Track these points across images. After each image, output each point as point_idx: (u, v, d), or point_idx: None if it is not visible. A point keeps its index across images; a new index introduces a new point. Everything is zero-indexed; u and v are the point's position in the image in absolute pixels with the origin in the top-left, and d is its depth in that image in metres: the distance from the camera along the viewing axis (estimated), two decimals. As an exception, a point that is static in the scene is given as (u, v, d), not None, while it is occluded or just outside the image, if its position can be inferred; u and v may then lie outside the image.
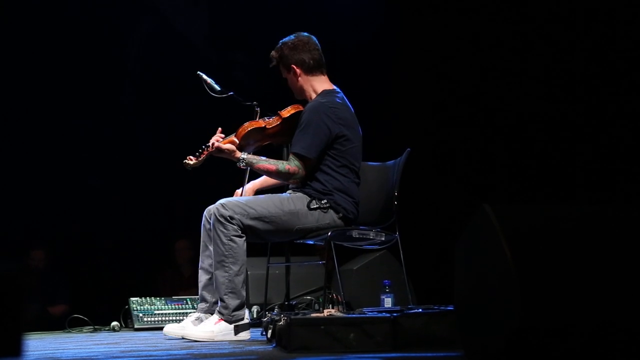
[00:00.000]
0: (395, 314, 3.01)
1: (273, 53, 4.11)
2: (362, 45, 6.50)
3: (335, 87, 4.12)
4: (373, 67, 6.53)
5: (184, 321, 4.02)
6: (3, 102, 6.68)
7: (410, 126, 6.30)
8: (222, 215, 3.81)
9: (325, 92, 4.07)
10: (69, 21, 6.78)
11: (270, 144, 4.19)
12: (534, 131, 5.64)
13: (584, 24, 5.35)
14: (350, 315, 3.11)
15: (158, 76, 6.98)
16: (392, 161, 4.34)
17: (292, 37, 4.10)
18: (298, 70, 4.05)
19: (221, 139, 3.95)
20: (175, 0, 7.19)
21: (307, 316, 3.18)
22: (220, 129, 4.00)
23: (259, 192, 4.21)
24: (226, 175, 4.41)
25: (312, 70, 4.07)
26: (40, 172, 6.80)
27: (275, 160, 3.99)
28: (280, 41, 4.11)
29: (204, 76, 4.27)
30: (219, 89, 4.24)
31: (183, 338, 3.85)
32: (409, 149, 4.27)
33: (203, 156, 3.94)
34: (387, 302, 4.71)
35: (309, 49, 4.06)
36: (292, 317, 3.04)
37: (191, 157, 3.95)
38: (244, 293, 3.84)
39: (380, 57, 6.58)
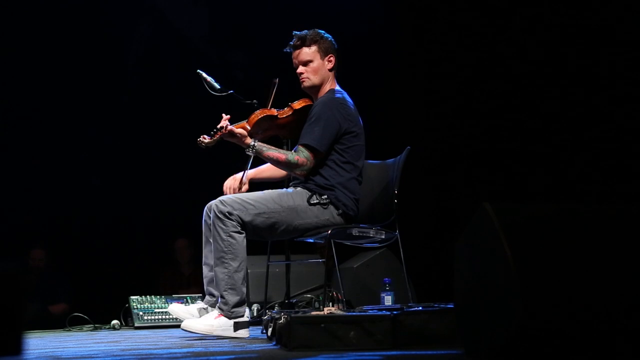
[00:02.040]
0: (395, 312, 3.01)
1: (311, 33, 4.09)
2: (361, 43, 6.50)
3: (340, 88, 4.16)
4: (372, 65, 6.53)
5: (190, 306, 4.06)
6: (3, 102, 6.68)
7: (410, 124, 6.29)
8: (221, 212, 3.82)
9: (333, 90, 4.13)
10: (69, 21, 6.78)
11: (277, 137, 4.20)
12: (534, 130, 5.63)
13: (583, 22, 5.35)
14: (350, 313, 3.11)
15: (158, 75, 6.98)
16: (392, 159, 4.34)
17: (324, 32, 4.14)
18: (334, 61, 4.12)
19: (229, 123, 3.95)
20: (174, 0, 7.19)
21: (308, 314, 3.18)
22: (228, 116, 4.00)
23: (251, 183, 4.20)
24: (226, 174, 4.41)
25: (336, 68, 4.16)
26: (41, 172, 6.80)
27: (284, 150, 4.02)
28: (314, 29, 4.12)
29: (204, 74, 4.28)
30: (219, 87, 4.25)
31: (183, 329, 3.85)
32: (408, 147, 4.27)
33: (216, 137, 3.93)
34: (388, 300, 4.71)
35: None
36: (293, 315, 3.04)
37: (205, 136, 3.94)
38: (244, 289, 3.84)
39: (379, 55, 6.58)
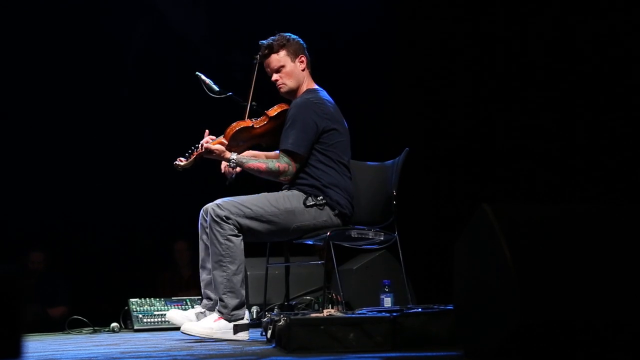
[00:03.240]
0: (394, 314, 3.01)
1: (277, 38, 4.09)
2: (360, 44, 6.50)
3: (317, 87, 4.16)
4: (372, 66, 6.53)
5: (188, 311, 4.06)
6: (2, 103, 6.67)
7: (409, 126, 6.29)
8: (218, 216, 3.81)
9: (309, 90, 4.13)
10: (69, 22, 6.78)
11: (260, 145, 4.20)
12: (533, 130, 5.63)
13: (583, 24, 5.35)
14: (349, 315, 3.11)
15: (157, 76, 6.97)
16: (391, 161, 4.34)
17: (290, 34, 4.14)
18: (306, 61, 4.11)
19: (211, 141, 3.97)
20: (174, 1, 7.18)
21: (307, 316, 3.18)
22: (207, 131, 4.03)
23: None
24: (225, 177, 4.40)
25: (309, 66, 4.16)
26: (40, 174, 6.79)
27: (264, 159, 4.02)
28: (279, 34, 4.12)
29: (203, 77, 4.27)
30: (217, 89, 4.25)
31: (183, 332, 3.85)
32: (407, 148, 4.27)
33: (192, 157, 3.97)
34: (387, 301, 4.71)
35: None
36: (292, 317, 3.04)
37: (181, 158, 3.98)
38: (243, 292, 3.85)
39: (379, 56, 6.58)
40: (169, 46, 7.10)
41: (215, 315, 3.83)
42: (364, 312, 3.33)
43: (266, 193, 4.01)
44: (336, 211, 3.98)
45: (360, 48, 6.50)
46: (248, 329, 3.86)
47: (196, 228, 4.05)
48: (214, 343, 3.67)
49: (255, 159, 4.02)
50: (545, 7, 5.57)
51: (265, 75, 4.18)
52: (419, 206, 6.08)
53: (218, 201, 3.89)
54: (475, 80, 6.00)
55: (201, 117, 6.26)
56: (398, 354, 2.76)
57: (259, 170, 3.97)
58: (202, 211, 3.98)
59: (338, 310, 3.58)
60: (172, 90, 6.84)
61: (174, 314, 4.10)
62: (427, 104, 6.32)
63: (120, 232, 6.96)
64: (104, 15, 6.93)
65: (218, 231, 3.81)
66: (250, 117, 4.10)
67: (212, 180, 5.38)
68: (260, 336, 3.88)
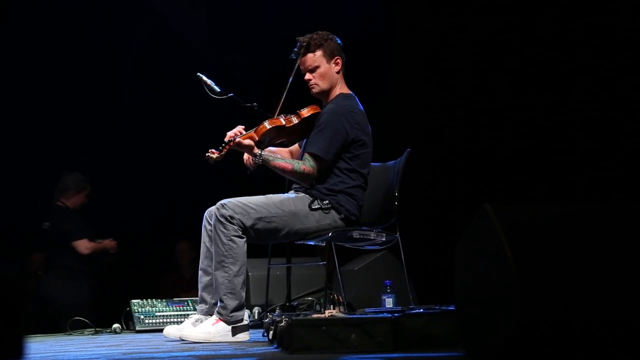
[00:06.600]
0: (396, 314, 3.01)
1: (315, 37, 4.05)
2: (361, 43, 6.50)
3: (350, 92, 4.14)
4: (372, 66, 6.53)
5: (183, 323, 4.02)
6: (2, 103, 6.68)
7: (410, 126, 6.29)
8: (222, 216, 3.81)
9: (344, 95, 4.10)
10: (69, 23, 6.79)
11: (283, 142, 4.20)
12: (534, 130, 5.63)
13: (585, 22, 5.35)
14: (351, 316, 3.11)
15: (158, 79, 6.98)
16: (393, 161, 4.34)
17: (328, 33, 4.11)
18: (341, 63, 4.09)
19: (240, 134, 3.95)
20: (173, 3, 7.19)
21: (308, 317, 3.18)
22: (241, 126, 4.00)
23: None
24: (227, 177, 4.41)
25: (344, 68, 4.13)
26: (41, 174, 6.79)
27: (291, 160, 4.01)
28: (317, 32, 4.08)
29: (204, 77, 4.27)
30: (218, 90, 4.25)
31: (181, 339, 3.84)
32: (409, 149, 4.27)
33: (225, 151, 3.92)
34: (388, 302, 4.71)
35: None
36: (294, 318, 3.03)
37: (213, 150, 3.93)
38: (243, 294, 3.84)
39: (379, 56, 6.58)
40: (169, 47, 7.11)
41: (213, 318, 3.82)
42: (365, 312, 3.33)
43: (272, 195, 4.00)
44: (342, 215, 3.97)
45: (361, 48, 6.50)
46: (248, 330, 3.85)
47: (198, 228, 4.04)
48: (215, 344, 3.67)
49: (282, 158, 4.01)
50: (548, 7, 5.56)
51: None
52: (421, 207, 6.08)
53: (223, 201, 3.88)
54: (477, 80, 5.99)
55: (202, 118, 6.30)
56: (400, 355, 2.76)
57: (284, 170, 3.96)
58: (206, 213, 3.97)
59: (340, 310, 3.59)
60: (173, 91, 6.85)
61: (170, 330, 4.05)
62: (428, 104, 6.32)
63: (122, 233, 6.96)
64: (104, 17, 6.94)
65: (222, 231, 3.80)
66: (279, 115, 4.06)
67: (214, 180, 5.40)
68: (261, 337, 3.88)
